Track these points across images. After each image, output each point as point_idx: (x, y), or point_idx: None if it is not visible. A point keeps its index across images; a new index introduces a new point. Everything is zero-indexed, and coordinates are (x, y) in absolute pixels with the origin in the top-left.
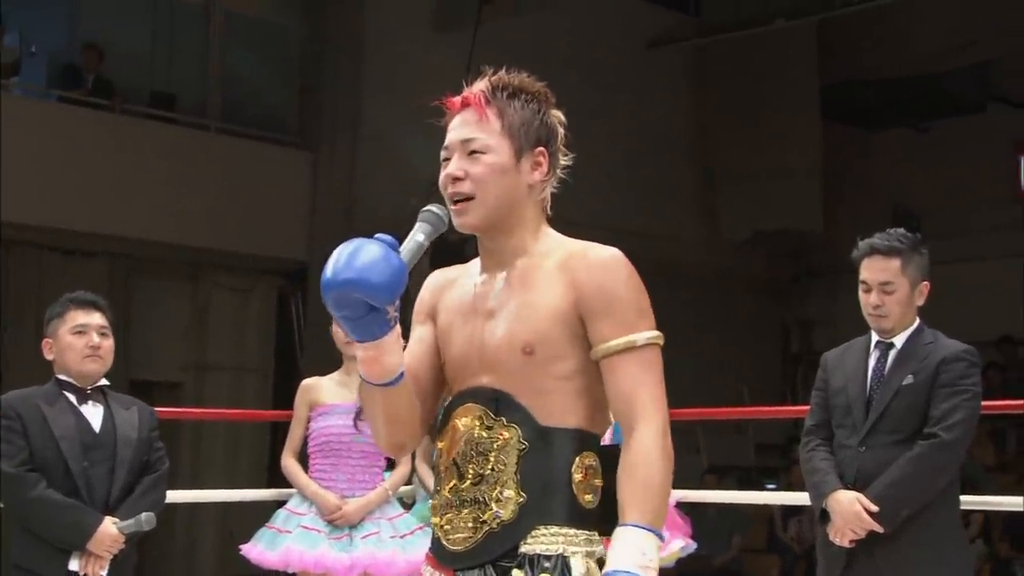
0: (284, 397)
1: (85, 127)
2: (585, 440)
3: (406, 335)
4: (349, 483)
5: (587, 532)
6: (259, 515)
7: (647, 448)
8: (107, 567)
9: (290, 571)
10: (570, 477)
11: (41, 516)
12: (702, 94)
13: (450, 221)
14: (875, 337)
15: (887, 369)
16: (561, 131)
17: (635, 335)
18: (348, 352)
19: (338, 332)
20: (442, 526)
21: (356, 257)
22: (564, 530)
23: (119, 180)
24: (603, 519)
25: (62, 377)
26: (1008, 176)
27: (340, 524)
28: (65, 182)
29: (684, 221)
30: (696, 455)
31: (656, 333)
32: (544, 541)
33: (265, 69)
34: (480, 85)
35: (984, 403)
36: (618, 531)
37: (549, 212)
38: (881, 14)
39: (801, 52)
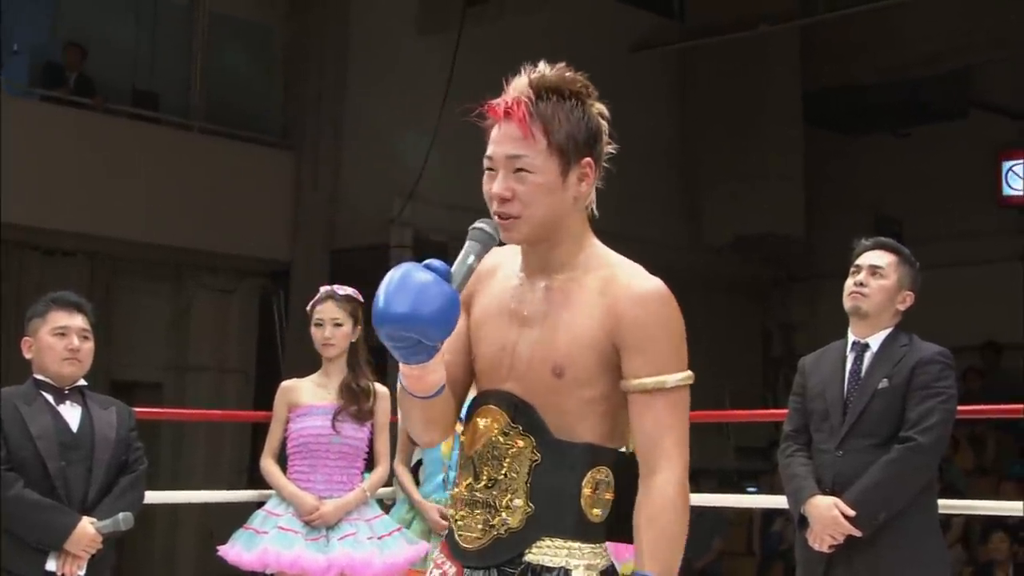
0: (266, 398)
1: (67, 126)
2: (599, 455)
3: None
4: (327, 484)
5: (592, 545)
6: (239, 516)
7: (669, 497)
8: (85, 567)
9: (268, 572)
10: (580, 492)
11: (18, 516)
12: (685, 98)
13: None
14: (851, 338)
15: (863, 372)
16: (605, 126)
17: (667, 376)
18: (327, 354)
19: (316, 334)
20: (456, 520)
21: (408, 290)
22: (569, 543)
23: (101, 179)
24: (612, 529)
25: (39, 377)
26: (989, 182)
27: (317, 525)
28: (46, 181)
29: (666, 225)
30: None
31: (688, 374)
32: (548, 553)
33: (249, 69)
34: (521, 89)
35: (964, 408)
36: None
37: (596, 213)
38: (863, 20)
39: (784, 57)
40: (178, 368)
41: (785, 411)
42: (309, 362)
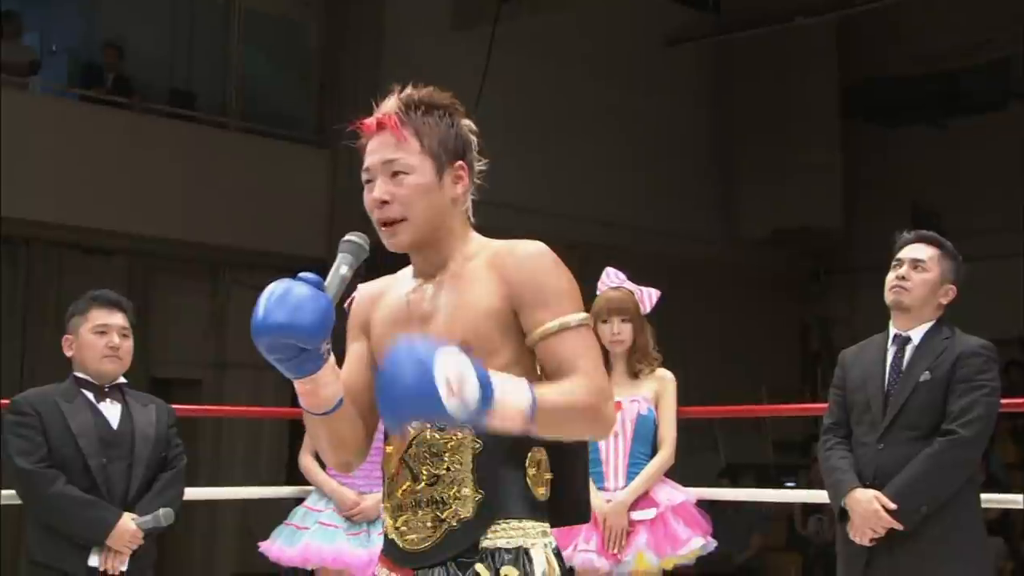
0: None
1: (105, 125)
2: (534, 436)
3: (341, 359)
4: (367, 479)
5: (542, 524)
6: (279, 512)
7: (582, 386)
8: (127, 562)
9: (308, 567)
10: (525, 472)
11: (61, 512)
12: (721, 92)
13: (371, 247)
14: (892, 331)
15: (904, 365)
16: (475, 140)
17: (568, 317)
18: None
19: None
20: (397, 527)
21: (284, 301)
22: (522, 523)
23: (138, 178)
24: (553, 511)
25: (80, 375)
26: None
27: (358, 520)
28: (85, 180)
29: (703, 219)
30: (714, 453)
31: (586, 315)
32: (504, 535)
33: (284, 67)
34: (391, 105)
35: (1006, 401)
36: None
37: (472, 220)
38: (901, 11)
39: (821, 50)
40: (217, 365)
41: (823, 405)
42: None
